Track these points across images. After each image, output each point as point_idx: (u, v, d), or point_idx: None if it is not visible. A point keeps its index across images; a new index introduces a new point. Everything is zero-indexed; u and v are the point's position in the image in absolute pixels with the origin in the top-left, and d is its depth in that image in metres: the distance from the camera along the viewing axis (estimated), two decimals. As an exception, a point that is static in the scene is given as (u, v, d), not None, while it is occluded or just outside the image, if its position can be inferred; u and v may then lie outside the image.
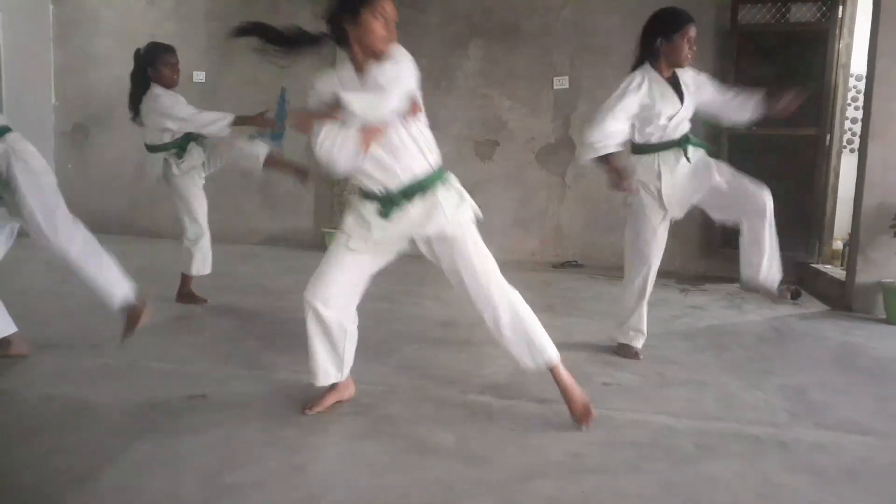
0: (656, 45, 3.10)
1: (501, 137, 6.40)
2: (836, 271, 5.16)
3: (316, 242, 6.74)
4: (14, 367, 2.94)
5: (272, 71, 6.86)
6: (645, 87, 3.12)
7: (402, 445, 2.28)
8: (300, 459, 2.16)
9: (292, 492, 1.96)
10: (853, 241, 4.61)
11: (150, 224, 6.98)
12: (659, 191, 3.18)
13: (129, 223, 7.05)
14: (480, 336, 2.91)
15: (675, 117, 3.14)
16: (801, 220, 5.47)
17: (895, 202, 4.33)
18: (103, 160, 7.29)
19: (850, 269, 4.59)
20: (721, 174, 3.18)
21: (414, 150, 2.30)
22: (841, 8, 5.49)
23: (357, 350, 2.57)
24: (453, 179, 2.42)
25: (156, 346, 3.19)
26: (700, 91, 3.21)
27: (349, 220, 2.43)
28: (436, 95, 6.04)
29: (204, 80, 6.93)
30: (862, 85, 5.39)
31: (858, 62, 5.59)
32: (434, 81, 6.14)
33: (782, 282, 3.32)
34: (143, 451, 2.19)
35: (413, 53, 2.26)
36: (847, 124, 5.99)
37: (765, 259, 3.20)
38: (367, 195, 2.37)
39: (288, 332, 3.58)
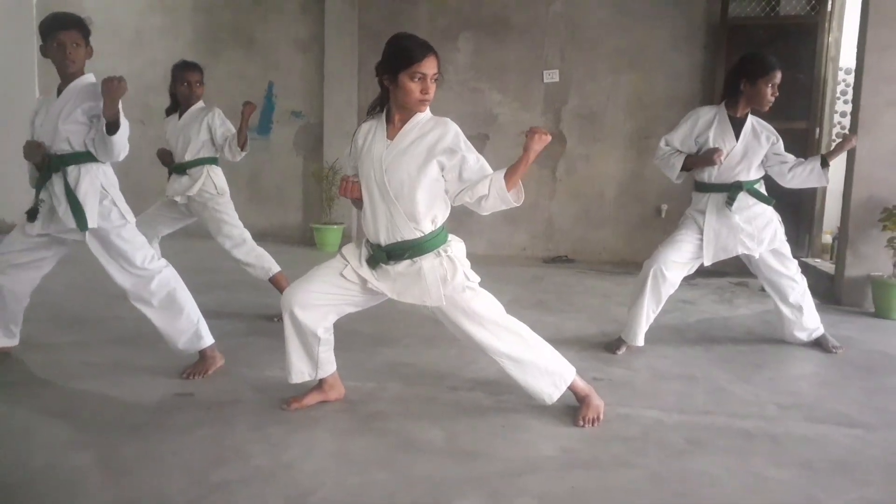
0: (740, 87, 3.16)
1: (492, 131, 6.38)
2: (826, 265, 5.19)
3: (304, 238, 6.71)
4: (-2, 365, 2.90)
5: (259, 65, 6.81)
6: (702, 121, 3.23)
7: (391, 442, 2.27)
8: (288, 457, 2.14)
9: (280, 489, 1.94)
10: (842, 235, 4.62)
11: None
12: (701, 229, 3.25)
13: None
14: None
15: (729, 157, 3.18)
16: (791, 213, 5.47)
17: (884, 196, 4.34)
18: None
19: (840, 263, 4.60)
20: (764, 256, 3.28)
21: (398, 218, 2.26)
22: (830, 2, 5.51)
23: (345, 347, 2.55)
24: (453, 247, 2.35)
25: (142, 344, 3.16)
26: (764, 142, 3.24)
27: (351, 249, 2.42)
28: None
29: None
30: (851, 78, 5.41)
31: (847, 56, 5.61)
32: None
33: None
34: (130, 449, 2.16)
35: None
36: (836, 118, 6.01)
37: (805, 318, 3.42)
38: (367, 239, 2.39)
39: (275, 330, 3.53)
